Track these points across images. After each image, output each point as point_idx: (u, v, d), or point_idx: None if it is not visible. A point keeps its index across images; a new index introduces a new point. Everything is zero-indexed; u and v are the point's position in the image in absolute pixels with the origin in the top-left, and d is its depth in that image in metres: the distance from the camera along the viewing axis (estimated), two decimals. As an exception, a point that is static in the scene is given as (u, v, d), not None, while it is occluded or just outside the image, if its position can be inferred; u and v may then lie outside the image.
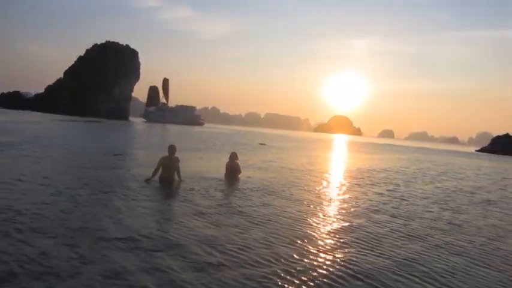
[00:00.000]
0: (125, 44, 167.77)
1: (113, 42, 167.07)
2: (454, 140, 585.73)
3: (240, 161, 14.46)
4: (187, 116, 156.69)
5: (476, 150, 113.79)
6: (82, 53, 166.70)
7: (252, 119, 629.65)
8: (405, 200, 12.68)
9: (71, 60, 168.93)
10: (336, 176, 18.66)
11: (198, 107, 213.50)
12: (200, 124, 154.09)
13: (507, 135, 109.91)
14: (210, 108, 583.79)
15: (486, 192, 17.10)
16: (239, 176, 13.86)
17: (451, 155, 70.74)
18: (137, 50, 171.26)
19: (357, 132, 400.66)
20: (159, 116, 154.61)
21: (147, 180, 11.33)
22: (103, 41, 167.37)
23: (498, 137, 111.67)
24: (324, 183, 15.36)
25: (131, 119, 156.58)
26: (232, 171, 13.73)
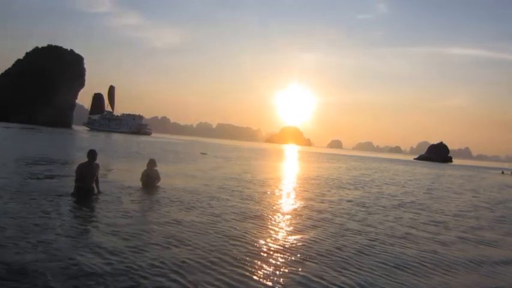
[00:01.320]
0: (69, 49, 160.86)
1: (56, 47, 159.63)
2: (397, 150, 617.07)
3: (173, 170, 13.99)
4: (134, 124, 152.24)
5: (414, 159, 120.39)
6: (21, 55, 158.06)
7: (203, 130, 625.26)
8: (332, 203, 13.06)
9: (7, 63, 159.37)
10: (264, 183, 18.63)
11: (147, 117, 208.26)
12: (147, 133, 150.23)
13: (441, 143, 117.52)
14: (160, 118, 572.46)
15: (402, 195, 17.84)
16: (158, 184, 13.36)
17: (390, 162, 74.30)
18: (83, 55, 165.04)
19: (307, 142, 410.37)
20: (104, 125, 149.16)
21: (73, 194, 10.04)
22: (45, 45, 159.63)
23: (433, 146, 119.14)
24: (250, 190, 15.21)
25: (75, 127, 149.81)
26: (150, 178, 13.14)
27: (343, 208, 12.51)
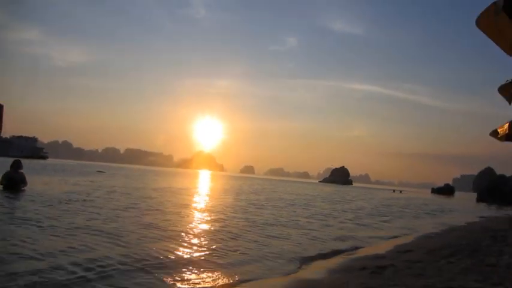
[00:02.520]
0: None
1: None
2: (305, 175, 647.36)
3: (56, 180, 12.71)
4: (26, 147, 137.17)
5: (319, 181, 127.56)
6: None
7: (110, 155, 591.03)
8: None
9: None
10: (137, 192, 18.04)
11: (45, 141, 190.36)
12: (43, 158, 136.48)
13: (343, 167, 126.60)
14: (60, 142, 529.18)
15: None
16: (24, 187, 12.16)
17: (296, 183, 77.61)
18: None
19: (220, 168, 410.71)
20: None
21: None
22: None
23: (336, 169, 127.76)
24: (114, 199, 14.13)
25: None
26: (11, 181, 11.77)
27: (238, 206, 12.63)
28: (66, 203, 9.99)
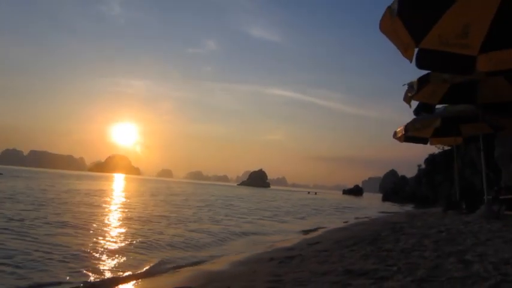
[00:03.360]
0: None
1: None
2: (224, 178, 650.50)
3: None
4: None
5: (237, 184, 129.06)
6: None
7: (11, 157, 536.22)
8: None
9: None
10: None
11: None
12: None
13: (261, 170, 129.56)
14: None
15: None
16: None
17: (212, 186, 77.53)
18: None
19: (136, 171, 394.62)
20: None
21: None
22: None
23: (254, 172, 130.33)
24: None
25: None
26: None
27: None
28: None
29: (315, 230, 9.64)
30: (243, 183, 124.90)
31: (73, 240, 5.97)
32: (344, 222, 11.99)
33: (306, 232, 8.92)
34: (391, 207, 29.66)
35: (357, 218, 15.41)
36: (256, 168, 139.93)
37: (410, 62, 5.32)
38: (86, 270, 4.25)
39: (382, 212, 15.98)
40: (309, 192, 79.22)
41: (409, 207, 34.77)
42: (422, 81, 7.79)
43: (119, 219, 9.30)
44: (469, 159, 20.04)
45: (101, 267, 4.53)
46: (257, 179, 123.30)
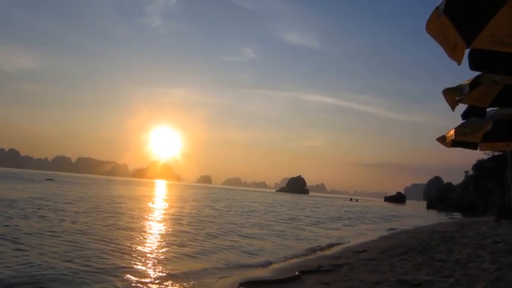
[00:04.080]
0: None
1: None
2: (263, 185, 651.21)
3: None
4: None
5: (276, 191, 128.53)
6: None
7: (60, 164, 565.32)
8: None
9: None
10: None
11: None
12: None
13: (299, 176, 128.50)
14: (6, 150, 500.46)
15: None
16: None
17: (255, 192, 77.70)
18: None
19: (177, 178, 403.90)
20: None
21: None
22: None
23: (293, 179, 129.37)
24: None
25: None
26: None
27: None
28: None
29: (361, 236, 9.41)
30: (282, 190, 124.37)
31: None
32: (388, 229, 11.62)
33: (351, 239, 8.71)
34: (437, 216, 28.42)
35: (401, 226, 14.97)
36: (294, 175, 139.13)
37: (459, 64, 5.13)
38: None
39: (430, 222, 15.27)
40: (351, 199, 77.57)
41: (456, 216, 33.26)
42: (473, 83, 7.49)
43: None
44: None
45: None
46: (296, 186, 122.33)
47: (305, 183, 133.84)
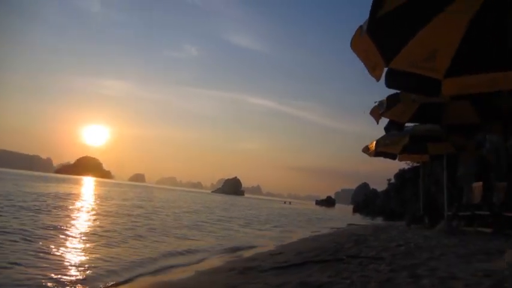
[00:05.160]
0: None
1: None
2: (198, 185, 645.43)
3: None
4: None
5: (212, 192, 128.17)
6: None
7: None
8: None
9: None
10: None
11: None
12: None
13: (235, 178, 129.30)
14: None
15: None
16: None
17: (188, 192, 76.79)
18: None
19: (107, 175, 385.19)
20: None
21: None
22: None
23: (228, 180, 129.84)
24: None
25: None
26: None
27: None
28: None
29: (284, 238, 9.79)
30: (217, 191, 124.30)
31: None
32: (311, 232, 12.22)
33: (274, 241, 9.02)
34: (360, 220, 30.26)
35: (325, 229, 15.72)
36: (231, 176, 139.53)
37: (377, 81, 5.51)
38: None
39: (351, 224, 16.34)
40: (285, 202, 79.68)
41: (378, 220, 35.49)
42: (392, 100, 8.06)
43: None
44: (435, 176, 20.69)
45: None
46: (231, 187, 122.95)
47: (241, 184, 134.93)
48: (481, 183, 11.66)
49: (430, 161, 13.89)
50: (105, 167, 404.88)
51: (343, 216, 37.33)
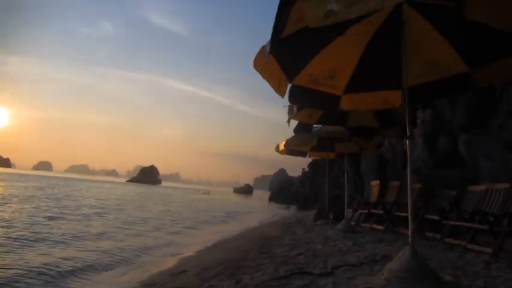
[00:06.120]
0: None
1: None
2: (113, 173, 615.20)
3: None
4: None
5: (126, 181, 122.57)
6: None
7: None
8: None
9: None
10: None
11: None
12: None
13: (152, 166, 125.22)
14: None
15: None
16: None
17: (101, 183, 72.60)
18: None
19: (5, 163, 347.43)
20: None
21: None
22: None
23: (145, 168, 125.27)
24: None
25: None
26: None
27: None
28: None
29: (196, 245, 9.57)
30: (133, 180, 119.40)
31: None
32: (224, 235, 11.92)
33: (182, 251, 8.78)
34: (276, 210, 31.19)
35: (237, 228, 15.93)
36: (148, 163, 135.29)
37: (282, 97, 5.61)
38: None
39: (261, 222, 16.33)
40: (204, 193, 78.43)
41: (292, 209, 37.01)
42: (301, 105, 8.34)
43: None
44: (343, 169, 22.08)
45: None
46: (148, 176, 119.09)
47: (158, 173, 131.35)
48: (378, 181, 12.62)
49: (337, 158, 14.75)
50: (4, 153, 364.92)
51: (260, 206, 38.26)
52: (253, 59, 4.58)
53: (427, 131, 18.23)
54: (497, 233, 6.46)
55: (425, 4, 4.44)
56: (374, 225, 10.45)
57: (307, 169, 52.34)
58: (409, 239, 4.61)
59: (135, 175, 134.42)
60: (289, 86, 5.61)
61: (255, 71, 4.72)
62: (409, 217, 4.84)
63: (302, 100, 6.33)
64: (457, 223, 7.77)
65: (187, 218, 17.16)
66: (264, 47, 4.28)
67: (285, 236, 9.41)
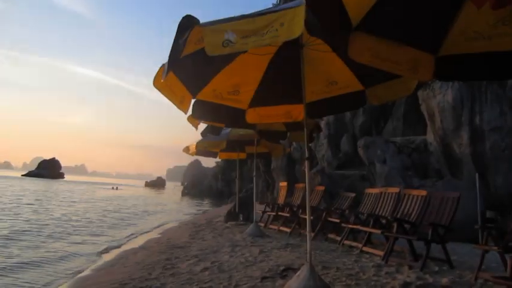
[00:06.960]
0: None
1: None
2: (7, 165, 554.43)
3: None
4: None
5: (22, 175, 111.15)
6: None
7: None
8: None
9: None
10: None
11: None
12: None
13: (54, 159, 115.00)
14: None
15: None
16: None
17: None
18: None
19: None
20: None
21: None
22: None
23: (45, 161, 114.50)
24: None
25: None
26: None
27: None
28: None
29: (106, 255, 8.89)
30: (31, 174, 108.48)
31: None
32: (127, 244, 11.21)
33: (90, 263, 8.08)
34: (188, 208, 30.62)
35: (149, 231, 15.36)
36: (49, 154, 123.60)
37: (185, 113, 5.44)
38: None
39: (167, 229, 15.45)
40: (112, 188, 73.51)
41: (206, 204, 36.79)
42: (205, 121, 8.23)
43: None
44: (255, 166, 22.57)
45: None
46: (48, 169, 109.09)
47: (60, 166, 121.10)
48: (286, 183, 13.04)
49: (247, 158, 14.94)
50: None
51: (172, 202, 37.28)
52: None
53: (331, 132, 19.44)
54: (388, 237, 7.05)
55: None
56: (282, 227, 10.79)
57: (220, 162, 52.57)
58: (307, 257, 4.76)
59: (31, 169, 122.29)
60: (192, 101, 5.47)
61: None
62: (308, 235, 4.99)
63: (207, 114, 6.25)
64: (355, 226, 8.33)
65: (91, 223, 15.90)
66: (163, 65, 4.08)
67: (193, 243, 9.23)
